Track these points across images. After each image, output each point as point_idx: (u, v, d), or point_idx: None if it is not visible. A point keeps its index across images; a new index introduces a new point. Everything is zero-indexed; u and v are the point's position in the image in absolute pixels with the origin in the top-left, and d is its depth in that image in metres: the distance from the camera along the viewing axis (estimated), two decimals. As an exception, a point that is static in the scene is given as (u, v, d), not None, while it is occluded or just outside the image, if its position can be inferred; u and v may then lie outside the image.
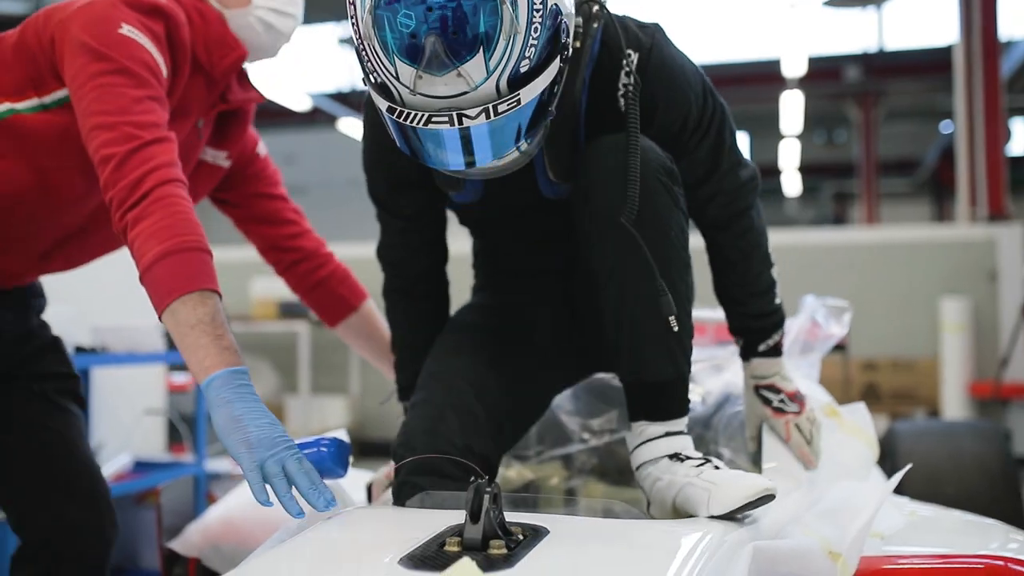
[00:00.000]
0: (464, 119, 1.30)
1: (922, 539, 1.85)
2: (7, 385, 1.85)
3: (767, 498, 1.46)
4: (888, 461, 3.41)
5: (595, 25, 1.56)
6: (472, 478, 1.24)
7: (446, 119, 1.30)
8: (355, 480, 1.94)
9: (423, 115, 1.31)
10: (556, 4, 1.32)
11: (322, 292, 2.16)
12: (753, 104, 14.98)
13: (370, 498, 1.85)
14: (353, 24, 1.33)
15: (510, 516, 1.30)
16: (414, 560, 1.15)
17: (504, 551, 1.18)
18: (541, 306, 1.90)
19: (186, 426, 3.92)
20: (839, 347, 4.85)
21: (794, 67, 12.11)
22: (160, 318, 1.49)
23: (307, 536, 1.34)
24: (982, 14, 7.63)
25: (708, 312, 2.30)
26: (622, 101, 1.57)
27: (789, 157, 17.43)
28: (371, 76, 1.35)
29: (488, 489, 1.22)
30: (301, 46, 15.20)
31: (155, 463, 3.53)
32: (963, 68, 7.75)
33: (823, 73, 13.53)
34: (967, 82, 7.67)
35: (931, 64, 12.47)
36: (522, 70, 1.30)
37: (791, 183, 18.96)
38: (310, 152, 14.67)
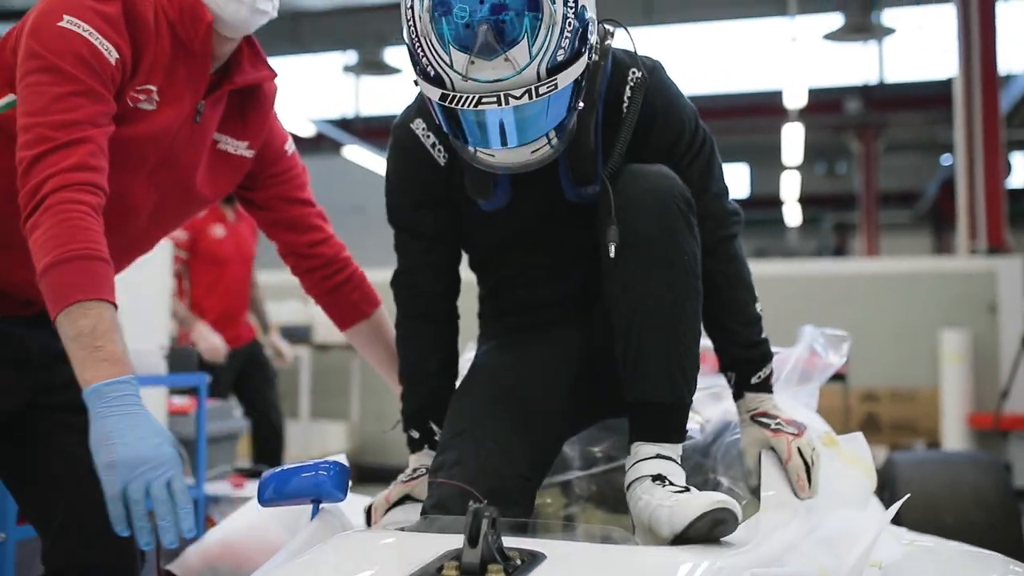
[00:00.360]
0: (510, 99, 1.50)
1: (920, 569, 1.84)
2: (43, 414, 1.83)
3: (724, 512, 1.48)
4: (887, 491, 3.42)
5: (609, 43, 1.75)
6: (471, 502, 1.25)
7: (494, 99, 1.50)
8: (354, 505, 1.94)
9: (474, 97, 1.50)
10: (584, 5, 1.54)
11: (337, 297, 2.13)
12: (755, 135, 15.08)
13: (369, 522, 1.85)
14: (409, 24, 1.53)
15: (509, 541, 1.30)
16: (415, 581, 1.15)
17: (501, 575, 1.18)
18: (559, 360, 1.91)
19: (186, 450, 3.91)
20: (839, 377, 4.87)
21: (795, 99, 12.19)
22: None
23: (306, 559, 1.35)
24: (981, 48, 7.69)
25: (708, 340, 2.32)
26: (624, 112, 1.75)
27: (790, 188, 17.49)
28: (426, 69, 1.54)
29: (487, 514, 1.22)
30: (306, 73, 15.32)
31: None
32: (962, 101, 7.80)
33: (824, 105, 13.62)
34: (966, 115, 7.71)
35: (932, 97, 12.57)
36: (558, 59, 1.51)
37: (792, 214, 19.01)
38: (314, 178, 14.68)
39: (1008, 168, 12.26)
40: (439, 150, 1.82)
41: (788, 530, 1.68)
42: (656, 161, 1.75)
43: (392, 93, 15.37)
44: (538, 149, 1.61)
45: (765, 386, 1.89)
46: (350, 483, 1.83)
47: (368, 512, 1.84)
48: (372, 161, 13.19)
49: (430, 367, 1.93)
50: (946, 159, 15.20)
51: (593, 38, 1.60)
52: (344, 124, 14.56)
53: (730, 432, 2.09)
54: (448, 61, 1.50)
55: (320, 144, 13.22)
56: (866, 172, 14.54)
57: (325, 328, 7.27)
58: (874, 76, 14.07)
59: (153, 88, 1.74)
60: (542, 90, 1.51)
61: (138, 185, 1.79)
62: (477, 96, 1.50)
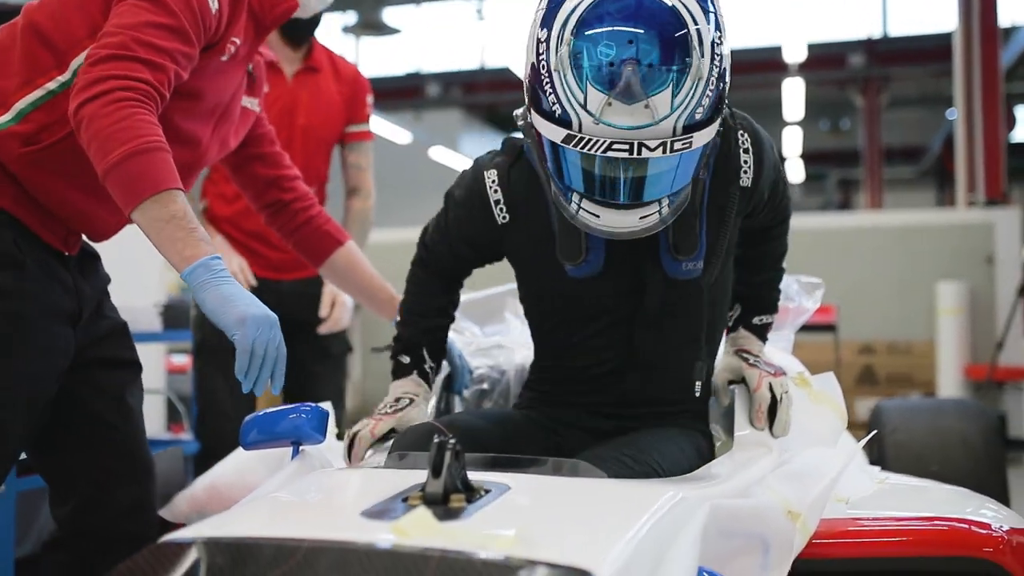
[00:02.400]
0: (644, 149, 1.41)
1: (890, 505, 1.88)
2: (80, 376, 1.84)
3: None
4: (876, 438, 3.45)
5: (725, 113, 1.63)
6: (436, 436, 1.28)
7: (626, 148, 1.41)
8: (338, 450, 1.97)
9: (604, 142, 1.42)
10: (726, 67, 1.47)
11: (310, 230, 2.17)
12: (757, 91, 14.98)
13: (350, 451, 1.87)
14: (540, 55, 1.45)
15: (478, 476, 1.35)
16: (376, 512, 1.19)
17: (464, 504, 1.22)
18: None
19: (184, 406, 3.98)
20: (829, 327, 4.91)
21: (795, 53, 12.10)
22: (129, 216, 1.55)
23: (276, 494, 1.39)
24: (981, 0, 7.64)
25: None
26: (744, 177, 1.69)
27: (793, 145, 17.43)
28: (551, 107, 1.45)
29: (450, 446, 1.26)
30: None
31: (155, 441, 3.58)
32: (962, 54, 7.76)
33: (827, 60, 13.53)
34: (965, 67, 7.68)
35: (936, 50, 12.46)
36: (697, 116, 1.43)
37: (795, 171, 18.95)
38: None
39: (1012, 121, 12.18)
40: (501, 208, 1.76)
41: (757, 466, 1.73)
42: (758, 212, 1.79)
43: (392, 53, 15.33)
44: (648, 215, 1.52)
45: (760, 331, 1.97)
46: (331, 427, 1.88)
47: (351, 440, 1.86)
48: (372, 123, 13.15)
49: (433, 305, 1.98)
50: (951, 113, 15.09)
51: (725, 105, 1.52)
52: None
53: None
54: (582, 100, 1.41)
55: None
56: (869, 127, 14.45)
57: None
58: (877, 29, 13.95)
59: (238, 41, 1.83)
60: (677, 146, 1.42)
61: (206, 133, 1.88)
62: (608, 141, 1.42)
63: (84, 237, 1.89)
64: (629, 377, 1.81)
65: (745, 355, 1.93)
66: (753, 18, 14.24)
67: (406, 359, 1.95)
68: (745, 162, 1.69)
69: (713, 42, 1.43)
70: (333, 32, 14.82)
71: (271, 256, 2.98)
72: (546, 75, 1.45)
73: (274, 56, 2.33)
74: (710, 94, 1.43)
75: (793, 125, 16.52)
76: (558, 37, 1.43)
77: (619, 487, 1.45)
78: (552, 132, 1.47)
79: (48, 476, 1.92)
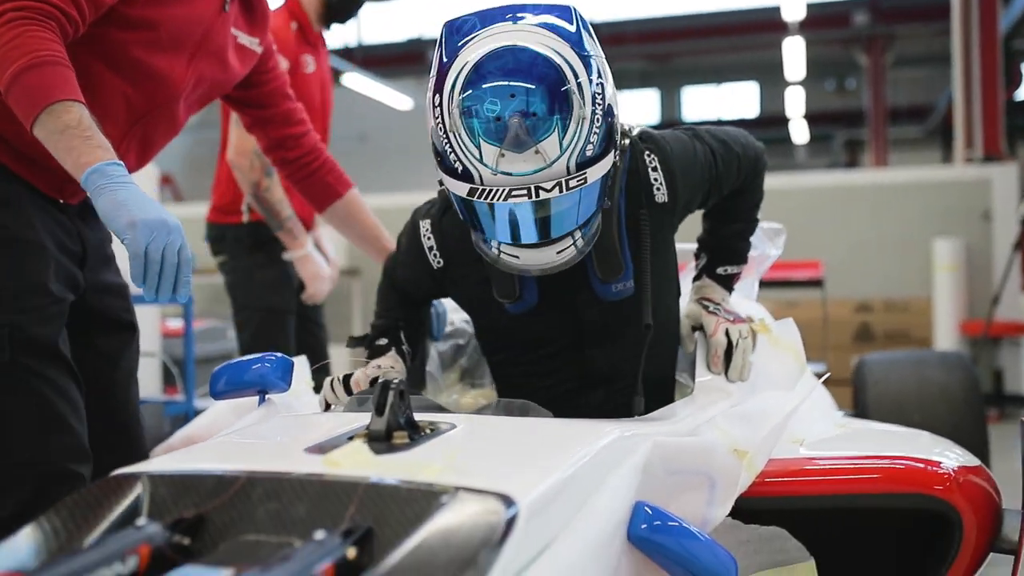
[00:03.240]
0: (541, 191, 1.51)
1: (845, 446, 1.92)
2: (78, 338, 1.84)
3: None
4: (859, 391, 3.49)
5: (626, 142, 1.77)
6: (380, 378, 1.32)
7: (524, 192, 1.51)
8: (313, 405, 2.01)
9: (504, 190, 1.51)
10: (610, 104, 1.57)
11: (314, 181, 2.28)
12: (761, 52, 14.89)
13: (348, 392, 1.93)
14: (437, 120, 1.54)
15: (430, 417, 1.39)
16: (318, 448, 1.24)
17: (406, 441, 1.26)
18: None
19: (178, 369, 4.04)
20: (815, 283, 4.93)
21: (793, 11, 12.01)
22: (31, 131, 1.53)
23: (236, 432, 1.44)
24: (980, -47, 7.58)
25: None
26: (658, 194, 1.79)
27: (796, 105, 17.33)
28: (453, 165, 1.55)
29: (394, 386, 1.30)
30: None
31: (150, 402, 3.66)
32: (960, 10, 7.70)
33: (831, 18, 13.42)
34: (964, 23, 7.63)
35: (940, 8, 12.32)
36: (587, 154, 1.53)
37: (800, 131, 18.85)
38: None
39: (1018, 79, 12.07)
40: (435, 255, 1.87)
41: (713, 408, 1.77)
42: (697, 196, 1.88)
43: (392, 19, 15.26)
44: (564, 250, 1.61)
45: (725, 281, 2.02)
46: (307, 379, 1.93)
47: (332, 383, 1.91)
48: (374, 90, 13.14)
49: (408, 302, 2.05)
50: (957, 71, 14.95)
51: (619, 137, 1.63)
52: (345, 53, 14.47)
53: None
54: (478, 155, 1.51)
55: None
56: (874, 87, 14.35)
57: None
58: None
59: None
60: (572, 184, 1.52)
61: (178, 67, 1.87)
62: (507, 189, 1.51)
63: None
64: (589, 393, 1.88)
65: (706, 303, 1.97)
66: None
67: (383, 341, 2.00)
68: (655, 179, 1.79)
69: (591, 82, 1.53)
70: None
71: None
72: (444, 136, 1.54)
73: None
74: (597, 131, 1.54)
75: (795, 85, 16.40)
76: (448, 100, 1.52)
77: (561, 425, 1.50)
78: (457, 187, 1.56)
79: None
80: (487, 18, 1.57)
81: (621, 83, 17.70)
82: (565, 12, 1.58)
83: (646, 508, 1.31)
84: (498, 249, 1.63)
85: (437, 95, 1.55)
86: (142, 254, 1.45)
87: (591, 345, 1.86)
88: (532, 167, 1.50)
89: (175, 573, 0.95)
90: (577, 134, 1.51)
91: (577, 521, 1.16)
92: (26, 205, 1.76)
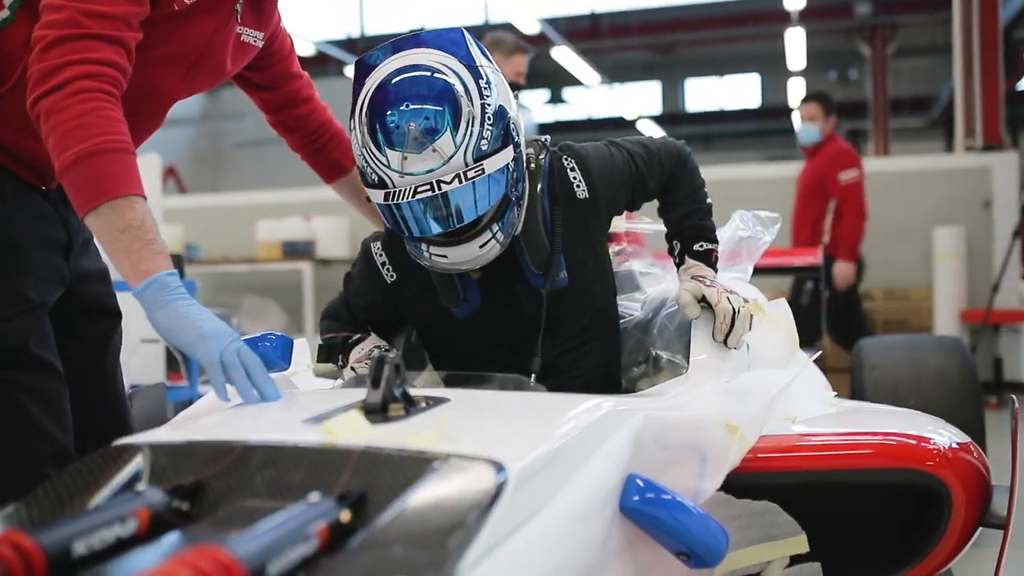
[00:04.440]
0: (442, 184, 1.68)
1: (836, 424, 1.94)
2: (62, 327, 1.83)
3: None
4: (856, 375, 3.51)
5: (543, 155, 1.98)
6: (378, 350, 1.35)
7: (428, 187, 1.68)
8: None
9: (410, 188, 1.68)
10: (502, 106, 1.76)
11: (321, 156, 2.30)
12: (762, 43, 14.88)
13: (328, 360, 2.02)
14: (356, 143, 1.74)
15: (425, 392, 1.42)
16: (315, 419, 1.26)
17: (401, 413, 1.29)
18: None
19: (181, 355, 4.06)
20: (814, 270, 4.94)
21: (796, 2, 12.00)
22: (84, 218, 1.50)
23: (234, 407, 1.46)
24: (980, -57, 7.57)
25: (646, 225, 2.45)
26: (578, 191, 1.97)
27: (798, 95, 17.31)
28: (370, 177, 1.73)
29: (390, 360, 1.33)
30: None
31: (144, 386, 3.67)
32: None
33: (833, 9, 13.41)
34: (964, 12, 7.63)
35: (943, -3, 12.34)
36: (483, 148, 1.70)
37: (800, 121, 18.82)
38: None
39: (1021, 69, 12.07)
40: (388, 269, 2.01)
41: (705, 386, 1.79)
42: (619, 193, 2.02)
43: (395, 10, 15.25)
44: (485, 243, 1.78)
45: (707, 258, 2.06)
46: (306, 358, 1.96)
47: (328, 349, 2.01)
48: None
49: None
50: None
51: (519, 137, 1.81)
52: (348, 44, 14.48)
53: (667, 307, 2.19)
54: (386, 162, 1.69)
55: (324, 64, 13.19)
56: (875, 77, 14.34)
57: (327, 243, 7.39)
58: (883, -23, 13.82)
59: None
60: (470, 174, 1.69)
61: (172, 80, 1.83)
62: (413, 187, 1.68)
63: None
64: (548, 384, 1.93)
65: (701, 279, 1.99)
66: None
67: (358, 335, 2.06)
68: (575, 178, 1.98)
69: (479, 87, 1.73)
70: (335, -10, 14.76)
71: None
72: (360, 153, 1.74)
73: None
74: (490, 128, 1.72)
75: (797, 76, 16.39)
76: (359, 120, 1.73)
77: (554, 399, 1.52)
78: (376, 196, 1.74)
79: None
80: (388, 49, 1.79)
81: (624, 75, 17.72)
82: (456, 33, 1.82)
83: (638, 480, 1.33)
84: (428, 252, 1.80)
85: (352, 120, 1.76)
86: (218, 362, 1.47)
87: (535, 339, 1.97)
88: (432, 165, 1.67)
89: (174, 535, 0.98)
90: (468, 131, 1.69)
91: (567, 489, 1.18)
92: (8, 199, 1.73)
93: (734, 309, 1.91)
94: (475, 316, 1.97)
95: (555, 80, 17.69)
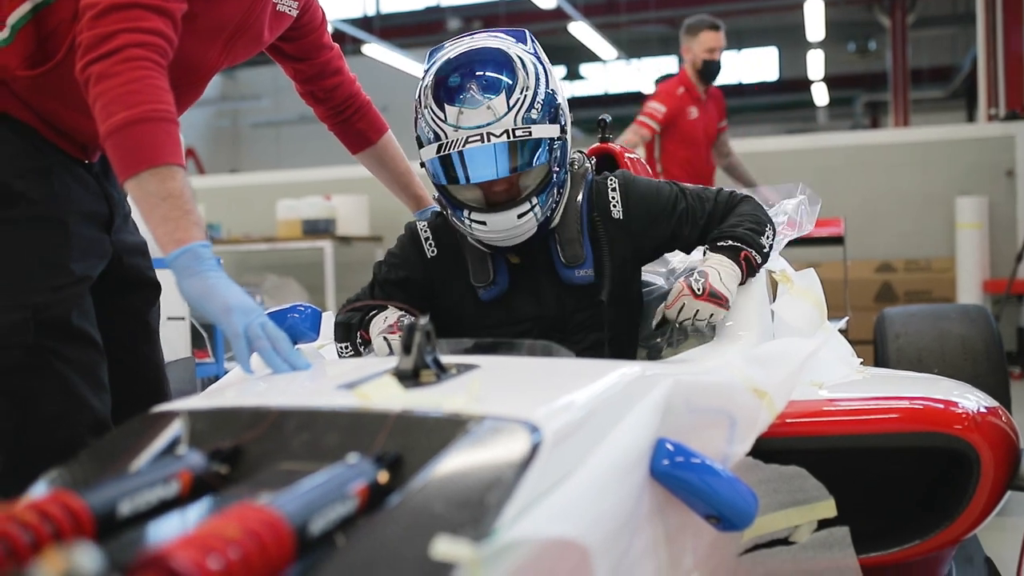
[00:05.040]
0: (491, 137, 1.83)
1: (864, 389, 1.94)
2: (102, 299, 1.86)
3: None
4: (879, 344, 3.50)
5: (586, 165, 2.09)
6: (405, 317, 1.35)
7: (478, 138, 1.83)
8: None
9: (462, 138, 1.83)
10: (554, 91, 1.91)
11: (347, 126, 2.35)
12: (781, 14, 14.73)
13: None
14: (418, 112, 1.90)
15: (455, 359, 1.43)
16: (349, 385, 1.28)
17: (433, 379, 1.30)
18: None
19: (207, 332, 4.10)
20: (837, 241, 4.92)
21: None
22: (124, 183, 1.53)
23: (270, 375, 1.48)
24: (1003, -93, 7.48)
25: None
26: (614, 211, 2.04)
27: (817, 67, 17.18)
28: (427, 135, 1.88)
29: (421, 327, 1.34)
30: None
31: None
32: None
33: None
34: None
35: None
36: (532, 117, 1.86)
37: (821, 94, 18.68)
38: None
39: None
40: (430, 244, 2.09)
41: (731, 351, 1.80)
42: (666, 233, 2.06)
43: (411, -12, 15.21)
44: (524, 214, 1.89)
45: (725, 252, 1.97)
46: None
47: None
48: (394, 59, 13.13)
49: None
50: (980, 31, 14.75)
51: (567, 124, 1.93)
52: (364, 23, 14.45)
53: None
54: (443, 117, 1.85)
55: (340, 42, 13.14)
56: (895, 48, 14.20)
57: (347, 221, 7.41)
58: (903, -54, 13.66)
59: None
60: (518, 133, 1.83)
61: (213, 50, 1.87)
62: (465, 137, 1.82)
63: None
64: None
65: (688, 273, 1.99)
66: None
67: (375, 311, 2.05)
68: (613, 198, 2.06)
69: (537, 68, 1.91)
70: (351, -32, 14.72)
71: None
72: (421, 117, 1.89)
73: None
74: (540, 102, 1.87)
75: (816, 48, 16.24)
76: (424, 88, 1.90)
77: (584, 364, 1.53)
78: (429, 152, 1.88)
79: None
80: (460, 38, 1.97)
81: (641, 50, 17.61)
82: (522, 32, 2.02)
83: (668, 444, 1.34)
84: (469, 219, 1.89)
85: (418, 93, 1.92)
86: (243, 334, 1.48)
87: (548, 332, 2.01)
88: (484, 120, 1.82)
89: (215, 497, 1.00)
90: (522, 99, 1.85)
91: (598, 452, 1.18)
92: (58, 173, 1.78)
93: (679, 314, 1.90)
94: (499, 300, 2.05)
95: (572, 56, 17.61)
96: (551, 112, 1.88)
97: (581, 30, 13.64)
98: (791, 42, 17.35)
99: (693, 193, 2.10)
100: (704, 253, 2.05)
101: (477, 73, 1.86)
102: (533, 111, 1.85)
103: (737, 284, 1.95)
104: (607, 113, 2.85)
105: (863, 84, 18.19)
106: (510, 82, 1.85)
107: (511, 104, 1.83)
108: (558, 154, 1.92)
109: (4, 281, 1.73)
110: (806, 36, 15.29)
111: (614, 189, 2.07)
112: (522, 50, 1.94)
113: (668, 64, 19.38)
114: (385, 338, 1.92)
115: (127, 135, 1.50)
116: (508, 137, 1.82)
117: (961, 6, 14.68)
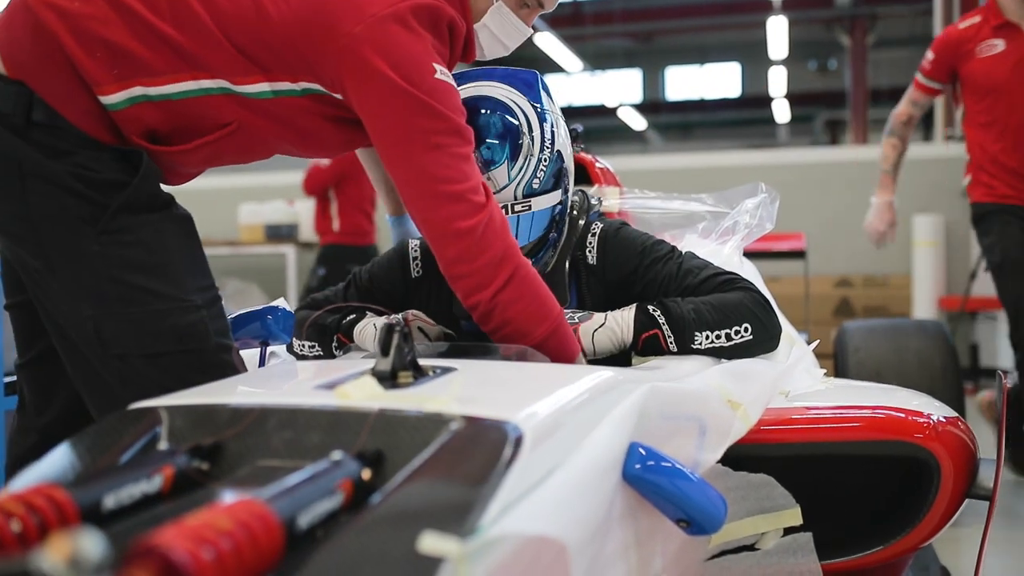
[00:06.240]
0: None
1: (820, 395, 1.97)
2: None
3: None
4: (839, 358, 3.57)
5: (585, 207, 2.06)
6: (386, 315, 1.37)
7: None
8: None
9: None
10: (559, 152, 1.90)
11: None
12: (745, 31, 14.92)
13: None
14: None
15: (431, 363, 1.44)
16: (328, 384, 1.28)
17: (411, 380, 1.31)
18: None
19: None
20: (798, 255, 4.99)
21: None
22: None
23: (246, 376, 1.49)
24: (962, -68, 7.63)
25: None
26: (589, 256, 2.01)
27: (778, 85, 17.40)
28: None
29: (399, 329, 1.35)
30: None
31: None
32: (941, -11, 7.77)
33: (813, -2, 13.47)
34: (945, 4, 7.69)
35: (923, -12, 12.42)
36: (534, 186, 1.84)
37: (781, 111, 18.92)
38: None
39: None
40: (417, 263, 2.05)
41: (704, 366, 1.83)
42: (637, 290, 1.97)
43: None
44: None
45: (643, 317, 1.89)
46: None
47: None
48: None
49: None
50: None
51: (569, 184, 1.91)
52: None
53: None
54: None
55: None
56: (855, 68, 14.43)
57: (310, 227, 7.39)
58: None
59: None
60: (517, 208, 1.83)
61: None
62: None
63: None
64: None
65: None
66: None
67: (354, 315, 2.02)
68: (590, 243, 2.01)
69: (543, 130, 1.86)
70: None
71: None
72: None
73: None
74: (544, 169, 1.85)
75: (778, 65, 16.46)
76: None
77: (561, 369, 1.55)
78: None
79: (35, 384, 1.93)
80: (466, 77, 1.90)
81: (605, 63, 17.73)
82: (531, 76, 1.95)
83: (640, 448, 1.35)
84: None
85: None
86: None
87: None
88: None
89: (198, 493, 1.00)
90: (524, 168, 1.82)
91: (576, 455, 1.20)
92: (175, 206, 1.78)
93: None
94: (477, 331, 1.92)
95: (537, 67, 17.66)
96: (555, 176, 1.86)
97: (548, 41, 13.71)
98: (754, 59, 17.57)
99: (688, 265, 1.97)
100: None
101: (481, 139, 1.81)
102: (535, 180, 1.83)
103: (610, 348, 1.88)
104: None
105: (823, 102, 18.45)
106: (512, 150, 1.82)
107: (512, 175, 1.81)
108: (557, 218, 1.91)
109: (183, 278, 1.70)
110: (768, 53, 15.50)
111: (593, 235, 2.01)
112: (527, 105, 1.88)
113: (632, 77, 19.53)
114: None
115: (550, 346, 1.73)
116: (507, 213, 1.80)
117: (919, 28, 14.93)
